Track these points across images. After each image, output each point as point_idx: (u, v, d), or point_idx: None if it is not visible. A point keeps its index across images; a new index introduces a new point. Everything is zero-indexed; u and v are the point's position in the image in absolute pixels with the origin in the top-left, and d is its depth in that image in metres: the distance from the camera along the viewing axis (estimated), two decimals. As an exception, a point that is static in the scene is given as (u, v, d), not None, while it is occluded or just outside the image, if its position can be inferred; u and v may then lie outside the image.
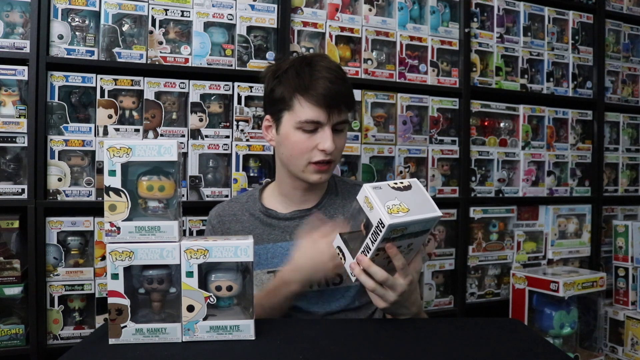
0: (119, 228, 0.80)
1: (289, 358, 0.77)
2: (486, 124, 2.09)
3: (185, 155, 1.61)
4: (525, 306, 1.94)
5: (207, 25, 1.65)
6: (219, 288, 0.83)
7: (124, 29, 1.58)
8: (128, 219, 0.81)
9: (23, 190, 1.47)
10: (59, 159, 1.50)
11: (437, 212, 0.86)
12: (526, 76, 2.13)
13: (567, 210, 2.21)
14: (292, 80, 1.08)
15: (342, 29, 1.80)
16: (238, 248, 0.81)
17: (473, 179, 2.02)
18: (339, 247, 0.92)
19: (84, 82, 1.52)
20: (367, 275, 0.88)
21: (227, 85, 1.66)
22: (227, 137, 1.67)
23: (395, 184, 0.87)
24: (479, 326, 0.97)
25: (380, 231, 0.81)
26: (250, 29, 1.69)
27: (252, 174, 1.70)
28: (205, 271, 0.84)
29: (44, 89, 1.48)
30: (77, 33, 1.54)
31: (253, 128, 1.69)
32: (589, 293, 1.96)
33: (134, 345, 0.80)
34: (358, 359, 0.78)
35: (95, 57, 1.53)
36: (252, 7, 1.69)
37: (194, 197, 1.62)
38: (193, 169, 1.62)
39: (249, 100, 1.70)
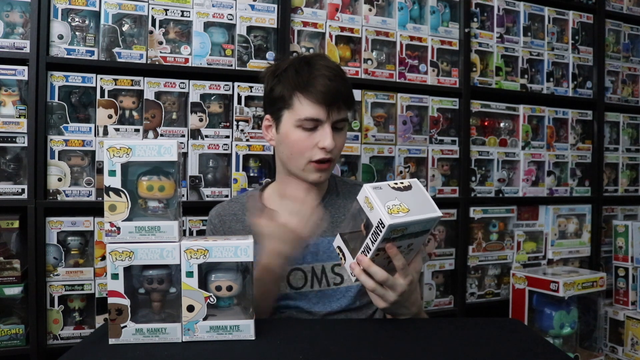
0: (119, 228, 0.80)
1: (289, 358, 0.77)
2: (486, 124, 2.09)
3: (185, 155, 1.61)
4: (525, 306, 1.94)
5: (207, 25, 1.65)
6: (219, 288, 0.83)
7: (124, 29, 1.58)
8: (128, 219, 0.81)
9: (23, 190, 1.47)
10: (59, 159, 1.50)
11: (437, 213, 0.86)
12: (526, 76, 2.13)
13: (567, 210, 2.21)
14: (291, 79, 1.08)
15: (342, 29, 1.80)
16: (238, 248, 0.81)
17: (473, 179, 2.02)
18: (339, 247, 0.92)
19: (84, 82, 1.52)
20: (367, 275, 0.88)
21: (227, 85, 1.66)
22: (227, 137, 1.67)
23: (396, 184, 0.87)
24: (479, 326, 0.97)
25: (381, 231, 0.81)
26: (250, 29, 1.69)
27: (252, 174, 1.70)
28: (205, 271, 0.84)
29: (44, 89, 1.48)
30: (77, 33, 1.54)
31: (253, 128, 1.69)
32: (589, 293, 1.96)
33: (134, 345, 0.80)
34: (358, 359, 0.78)
35: (95, 57, 1.53)
36: (252, 7, 1.69)
37: (194, 197, 1.62)
38: (193, 169, 1.62)
39: (249, 100, 1.70)
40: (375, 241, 0.83)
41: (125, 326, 0.81)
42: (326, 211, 1.19)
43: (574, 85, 2.24)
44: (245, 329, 0.83)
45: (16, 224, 1.45)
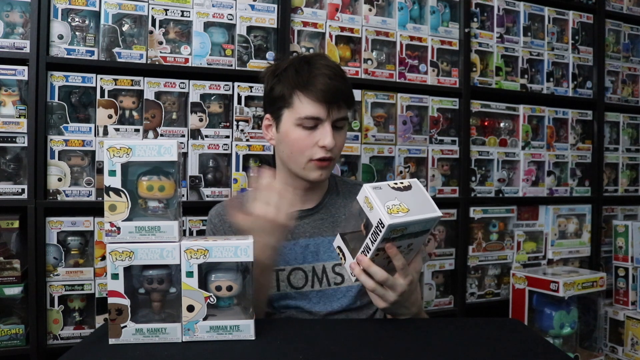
0: (119, 228, 0.80)
1: (289, 358, 0.77)
2: (486, 124, 2.09)
3: (185, 155, 1.61)
4: (525, 306, 1.94)
5: (207, 25, 1.65)
6: (219, 288, 0.83)
7: (124, 29, 1.58)
8: (128, 219, 0.81)
9: (23, 190, 1.47)
10: (59, 159, 1.50)
11: (437, 212, 0.86)
12: (526, 76, 2.13)
13: (567, 210, 2.21)
14: (291, 78, 1.08)
15: (342, 29, 1.80)
16: (238, 248, 0.81)
17: (473, 179, 2.02)
18: (339, 247, 0.92)
19: (84, 82, 1.52)
20: (367, 275, 0.88)
21: (227, 85, 1.66)
22: (227, 137, 1.67)
23: (395, 184, 0.87)
24: (479, 326, 0.97)
25: (380, 231, 0.81)
26: (250, 29, 1.69)
27: (252, 174, 1.70)
28: (205, 271, 0.84)
29: (44, 89, 1.48)
30: (77, 33, 1.54)
31: (253, 128, 1.69)
32: (589, 293, 1.96)
33: (134, 345, 0.80)
34: (358, 359, 0.78)
35: (95, 57, 1.53)
36: (252, 7, 1.69)
37: (194, 197, 1.62)
38: (193, 169, 1.62)
39: (249, 100, 1.69)
40: (375, 241, 0.83)
41: (125, 326, 0.81)
42: (326, 211, 1.19)
43: (574, 85, 2.24)
44: (245, 329, 0.83)
45: (16, 224, 1.45)
